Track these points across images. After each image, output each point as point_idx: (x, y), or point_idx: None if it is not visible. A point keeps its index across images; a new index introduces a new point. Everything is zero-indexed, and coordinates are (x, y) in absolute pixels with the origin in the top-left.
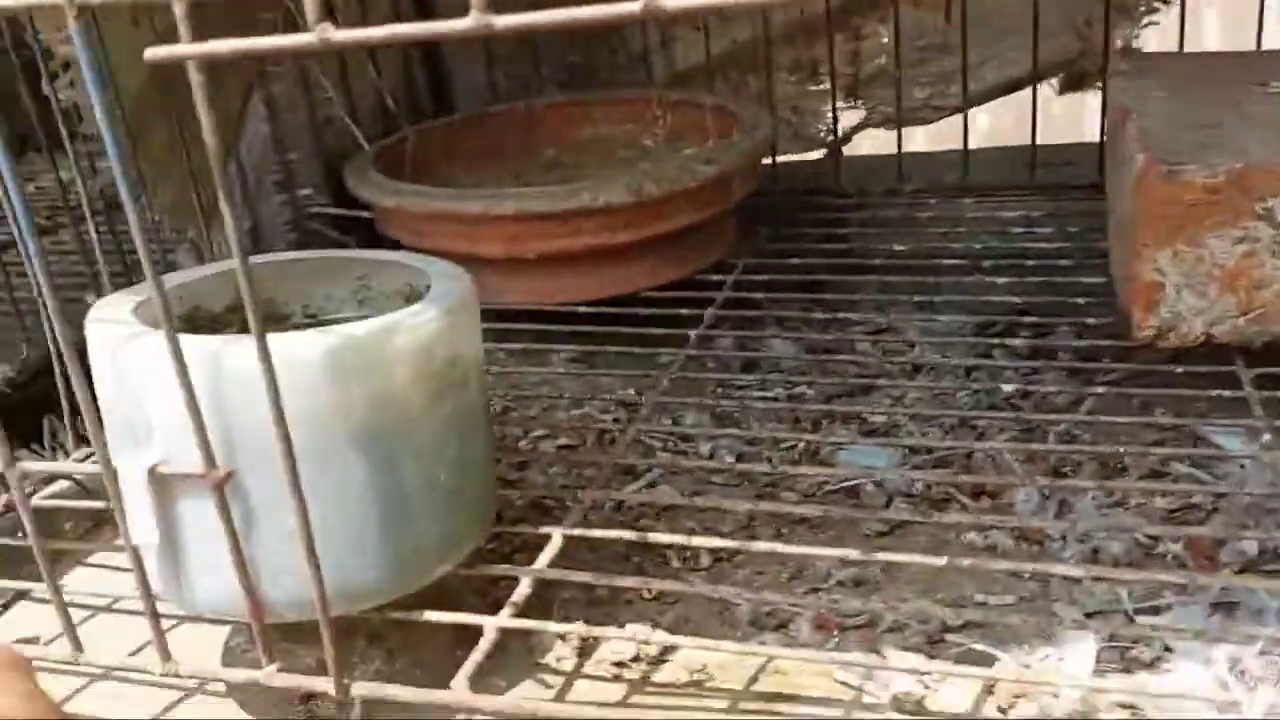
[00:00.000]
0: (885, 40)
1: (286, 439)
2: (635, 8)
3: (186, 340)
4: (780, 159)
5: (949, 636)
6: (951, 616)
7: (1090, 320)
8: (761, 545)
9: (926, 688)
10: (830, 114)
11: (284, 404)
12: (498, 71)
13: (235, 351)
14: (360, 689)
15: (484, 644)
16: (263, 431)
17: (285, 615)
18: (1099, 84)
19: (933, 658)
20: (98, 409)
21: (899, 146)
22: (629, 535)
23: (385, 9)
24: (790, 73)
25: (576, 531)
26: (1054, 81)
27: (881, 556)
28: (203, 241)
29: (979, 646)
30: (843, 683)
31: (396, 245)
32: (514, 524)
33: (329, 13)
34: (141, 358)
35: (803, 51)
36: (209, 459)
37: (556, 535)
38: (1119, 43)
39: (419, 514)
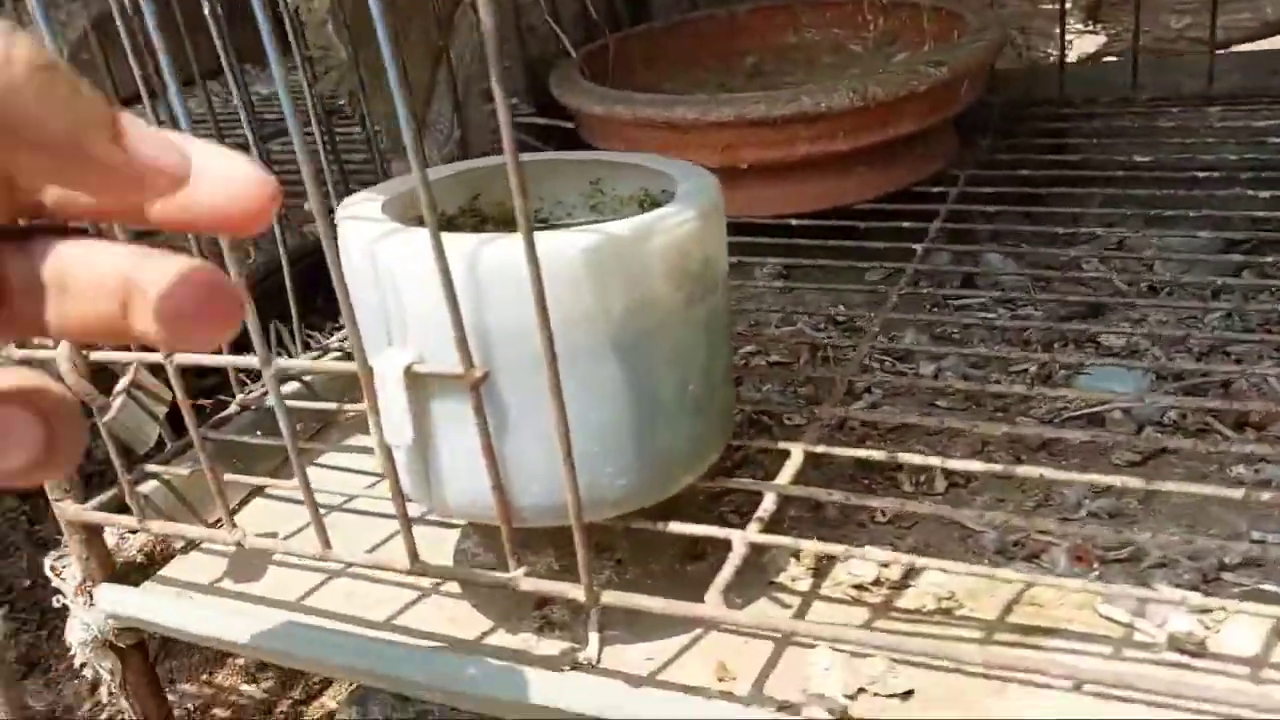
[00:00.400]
0: None
1: (549, 339)
2: None
3: (446, 238)
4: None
5: (1226, 575)
6: (1229, 552)
7: None
8: (1024, 470)
9: (1207, 628)
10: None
11: (548, 303)
12: None
13: (493, 251)
14: (609, 597)
15: (734, 558)
16: (520, 332)
17: (533, 520)
18: None
19: (1209, 596)
20: (351, 307)
21: (1134, 54)
22: (877, 455)
23: None
24: None
25: (819, 448)
26: None
27: (1143, 484)
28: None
29: (1267, 586)
30: (1109, 618)
31: None
32: (739, 439)
33: None
34: (400, 255)
35: None
36: (467, 359)
37: (797, 451)
38: None
39: (670, 422)
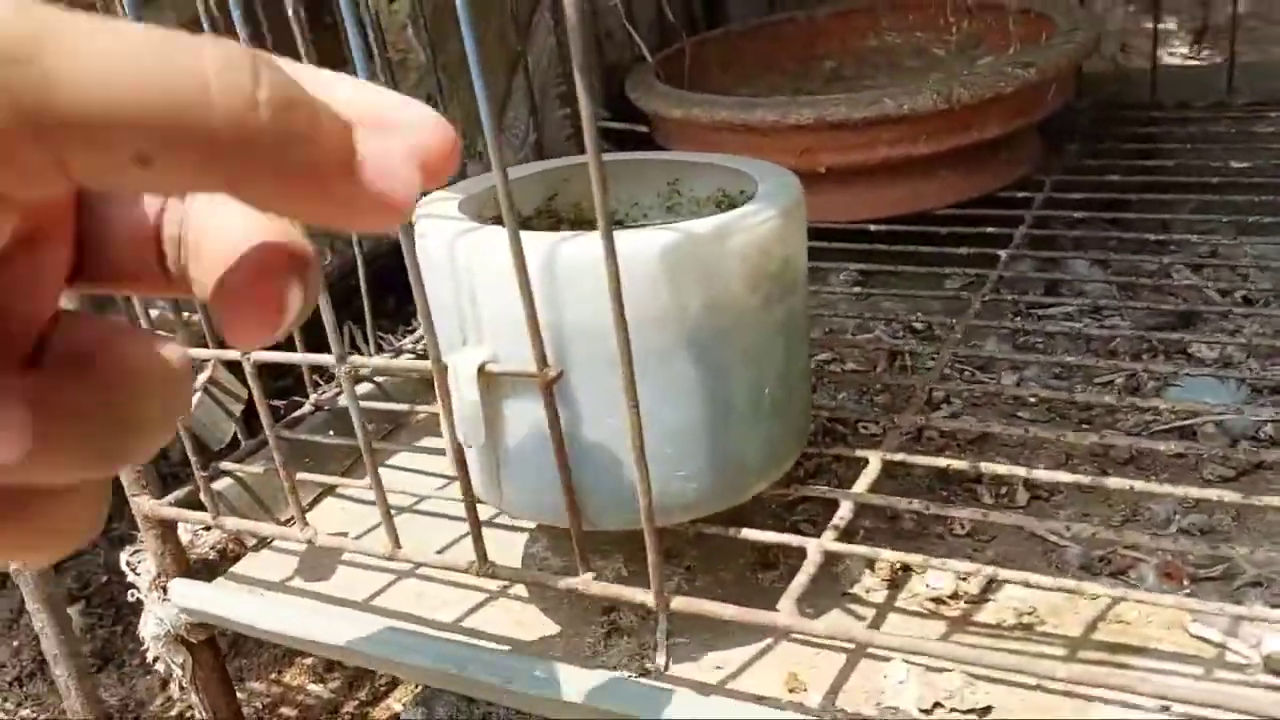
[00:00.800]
0: None
1: (625, 339)
2: None
3: (524, 237)
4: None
5: None
6: None
7: None
8: (1114, 482)
9: None
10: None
11: (625, 302)
12: None
13: (571, 249)
14: (679, 604)
15: (809, 566)
16: (595, 331)
17: (603, 524)
18: None
19: None
20: (427, 304)
21: (1231, 56)
22: (958, 464)
23: None
24: (1128, 2)
25: (898, 457)
26: None
27: (1238, 499)
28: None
29: None
30: (1200, 638)
31: None
32: (819, 447)
33: None
34: (477, 253)
35: None
36: (541, 358)
37: (874, 459)
38: None
39: (744, 425)
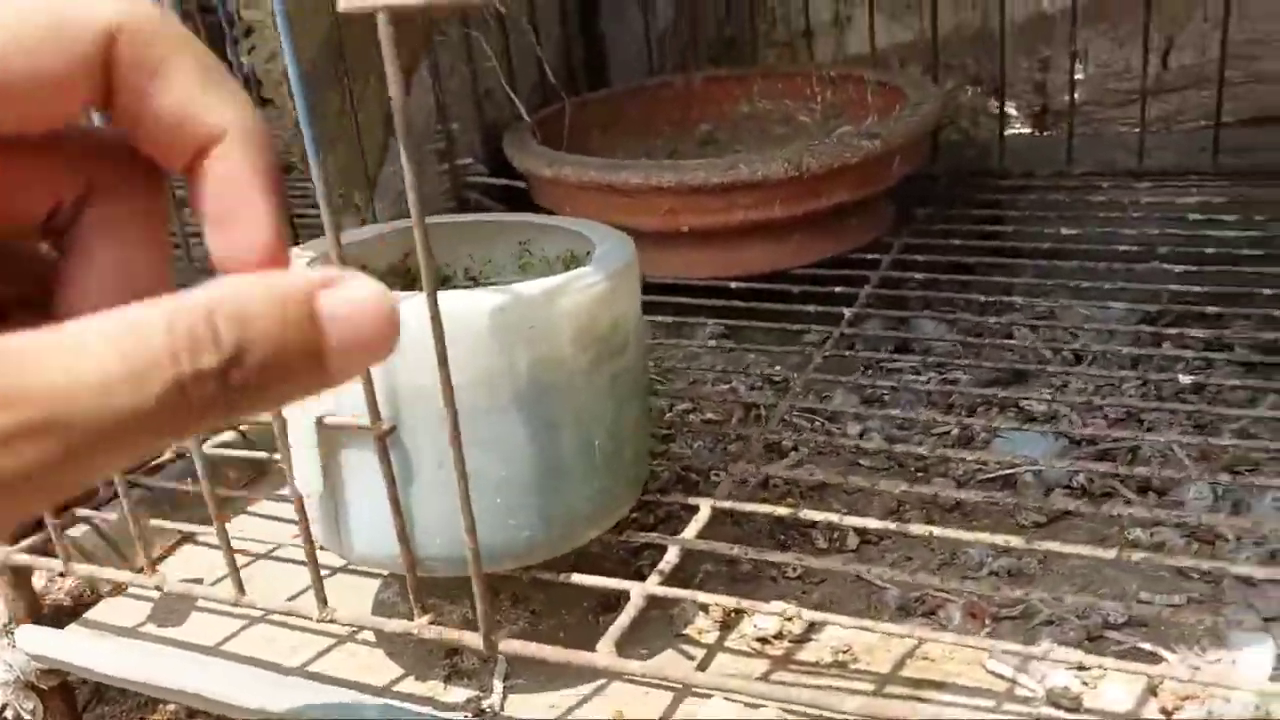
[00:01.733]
0: (1079, 77)
1: (451, 396)
2: None
3: None
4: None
5: (1110, 633)
6: (1116, 612)
7: (1275, 313)
8: (915, 529)
9: (1085, 684)
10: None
11: (450, 361)
12: (654, 46)
13: (405, 308)
14: (507, 646)
15: (630, 609)
16: (426, 389)
17: (438, 570)
18: None
19: (1090, 654)
20: None
21: (1070, 129)
22: (781, 510)
23: None
24: (974, 83)
25: (726, 504)
26: None
27: (1041, 545)
28: (366, 208)
29: (1144, 645)
30: (994, 673)
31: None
32: (661, 494)
33: None
34: None
35: (985, 66)
36: (375, 412)
37: (705, 507)
38: None
39: (575, 477)
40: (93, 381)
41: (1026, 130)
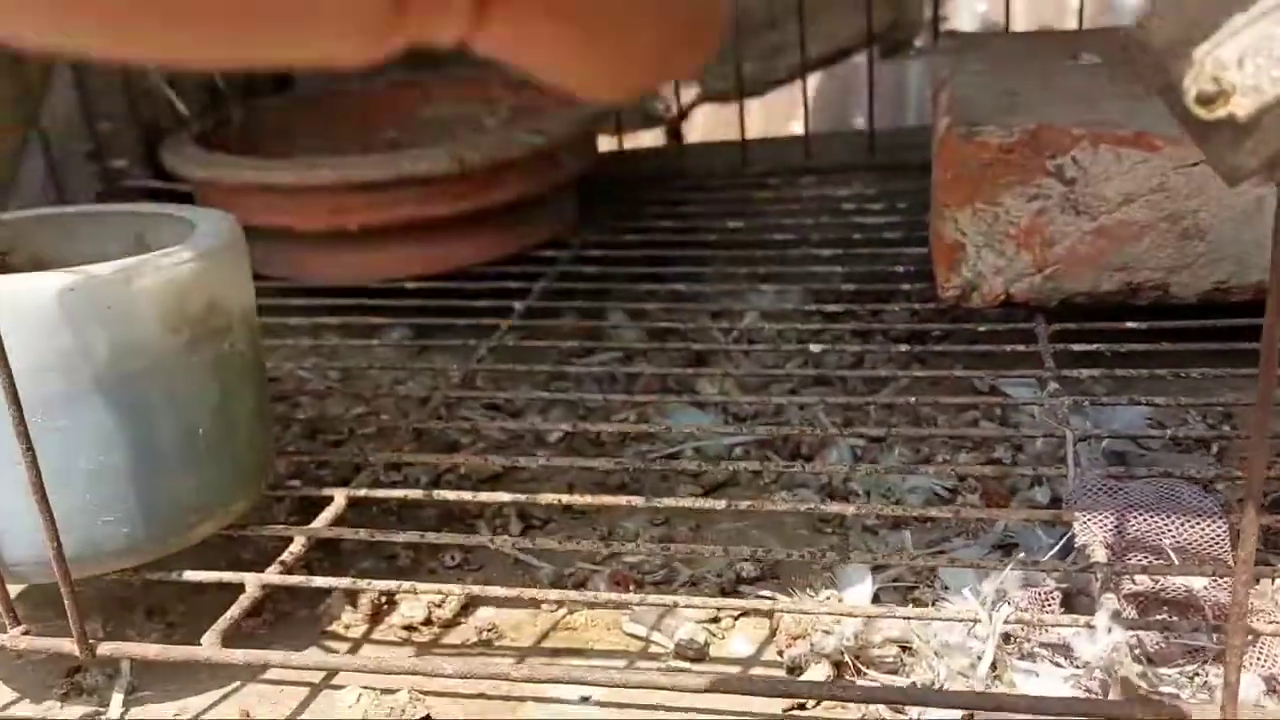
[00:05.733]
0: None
1: (12, 385)
2: None
3: None
4: (630, 145)
5: (744, 588)
6: (751, 567)
7: (907, 287)
8: (547, 497)
9: (714, 635)
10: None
11: (17, 347)
12: None
13: None
14: (104, 649)
15: (244, 600)
16: None
17: (31, 576)
18: (913, 51)
19: (721, 610)
20: None
21: (742, 132)
22: (415, 493)
23: None
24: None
25: (362, 492)
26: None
27: (669, 503)
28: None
29: (767, 593)
30: (631, 634)
31: None
32: (313, 486)
33: None
34: None
35: None
36: None
37: (339, 496)
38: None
39: (176, 467)
40: None
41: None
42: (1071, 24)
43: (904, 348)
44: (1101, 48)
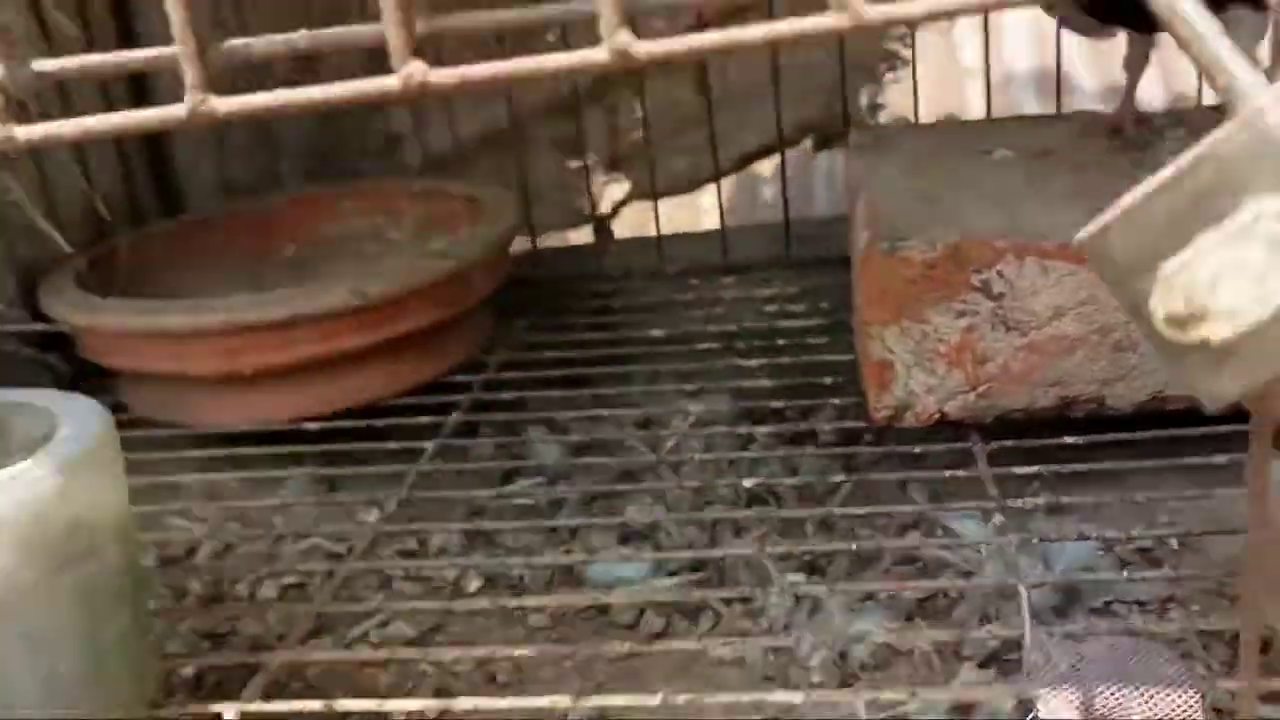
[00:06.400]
0: (638, 115)
1: None
2: (602, 55)
3: None
4: (547, 244)
5: None
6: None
7: (838, 401)
8: (462, 703)
9: None
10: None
11: None
12: (234, 165)
13: None
14: None
15: None
16: None
17: None
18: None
19: None
20: None
21: (657, 228)
22: (313, 706)
23: (95, 100)
24: (553, 149)
25: (253, 707)
26: (808, 143)
27: (596, 701)
28: None
29: None
30: None
31: (98, 369)
32: (197, 699)
33: (20, 107)
34: None
35: (563, 127)
36: None
37: (229, 712)
38: (865, 101)
39: (32, 710)
40: None
41: (603, 177)
42: (973, 108)
43: (839, 477)
44: (1012, 140)
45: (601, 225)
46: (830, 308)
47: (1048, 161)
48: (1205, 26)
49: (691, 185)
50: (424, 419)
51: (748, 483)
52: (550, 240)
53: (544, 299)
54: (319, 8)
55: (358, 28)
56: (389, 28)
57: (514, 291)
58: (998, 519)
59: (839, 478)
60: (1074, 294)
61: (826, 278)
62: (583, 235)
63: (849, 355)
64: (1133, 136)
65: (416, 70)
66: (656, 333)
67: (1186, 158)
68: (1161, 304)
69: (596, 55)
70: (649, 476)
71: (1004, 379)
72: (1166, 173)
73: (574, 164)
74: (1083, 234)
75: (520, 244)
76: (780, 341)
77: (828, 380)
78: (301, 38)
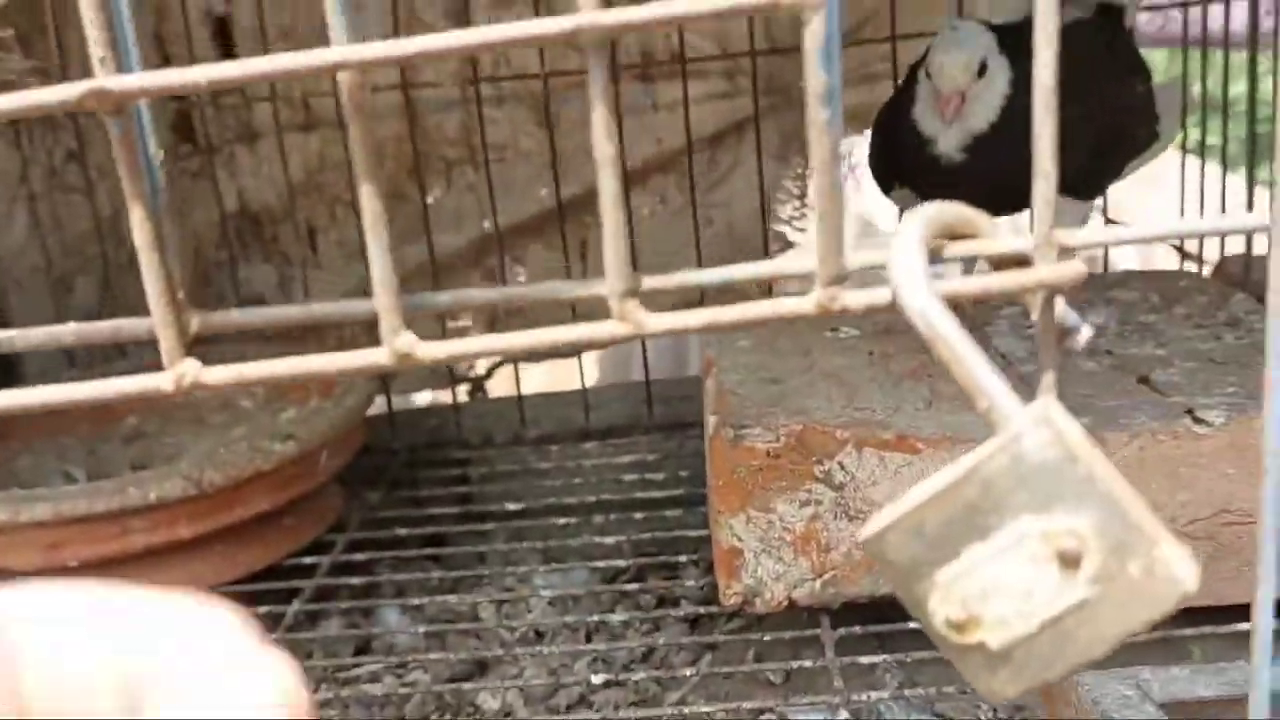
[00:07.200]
0: (522, 279)
1: None
2: (382, 357)
3: None
4: (403, 407)
5: None
6: None
7: (692, 582)
8: None
9: None
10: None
11: None
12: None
13: None
14: None
15: None
16: None
17: None
18: None
19: None
20: None
21: (518, 390)
22: None
23: None
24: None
25: None
26: None
27: None
28: None
29: None
30: None
31: None
32: None
33: None
34: None
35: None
36: None
37: None
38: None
39: None
40: None
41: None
42: None
43: (688, 670)
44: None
45: (477, 386)
46: (690, 475)
47: (888, 339)
48: (965, 349)
49: (567, 350)
50: (266, 607)
51: (596, 679)
52: (410, 399)
53: (401, 468)
54: None
55: (133, 320)
56: (159, 327)
57: (370, 457)
58: (843, 715)
59: (688, 671)
60: (911, 484)
61: (690, 442)
62: (445, 394)
63: (705, 530)
64: (970, 313)
65: (189, 370)
66: (512, 506)
67: (956, 471)
68: (940, 608)
69: (376, 356)
70: (505, 653)
71: (847, 567)
72: (938, 484)
73: (453, 324)
74: (862, 534)
75: (378, 404)
76: (638, 515)
77: (683, 558)
78: (68, 331)
